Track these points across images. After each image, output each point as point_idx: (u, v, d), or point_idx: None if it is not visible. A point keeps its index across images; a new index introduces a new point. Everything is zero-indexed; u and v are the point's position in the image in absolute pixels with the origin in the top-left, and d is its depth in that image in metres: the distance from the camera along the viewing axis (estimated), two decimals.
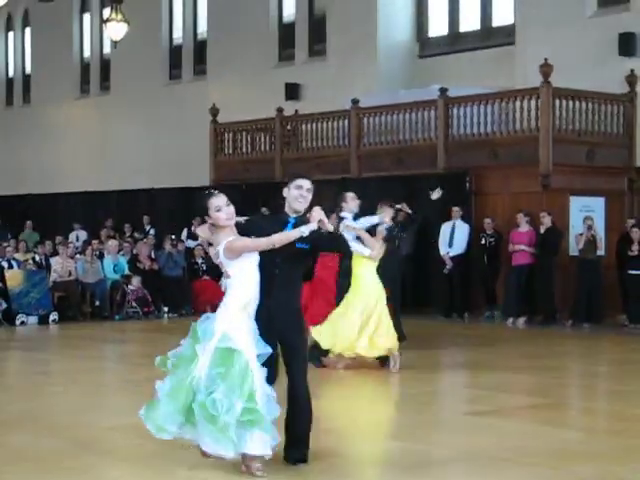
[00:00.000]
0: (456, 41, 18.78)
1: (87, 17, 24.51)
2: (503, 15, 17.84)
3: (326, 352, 10.16)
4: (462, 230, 15.23)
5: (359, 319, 9.70)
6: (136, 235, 18.82)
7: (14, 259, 15.79)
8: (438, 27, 18.96)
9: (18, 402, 8.89)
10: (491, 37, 17.95)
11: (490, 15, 18.24)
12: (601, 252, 14.30)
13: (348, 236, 8.80)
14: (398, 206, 14.35)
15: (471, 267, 15.38)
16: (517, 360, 11.68)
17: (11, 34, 27.13)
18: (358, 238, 9.54)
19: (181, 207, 18.56)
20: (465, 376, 11.11)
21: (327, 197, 16.04)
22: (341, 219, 9.83)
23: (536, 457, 6.38)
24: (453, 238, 15.20)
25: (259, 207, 16.49)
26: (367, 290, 9.78)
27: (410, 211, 13.93)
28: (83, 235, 19.13)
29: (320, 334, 9.77)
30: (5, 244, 16.57)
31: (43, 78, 25.60)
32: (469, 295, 15.49)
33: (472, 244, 15.23)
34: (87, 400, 9.12)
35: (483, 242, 15.00)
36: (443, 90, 15.98)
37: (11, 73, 27.22)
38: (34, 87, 26.18)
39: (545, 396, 9.10)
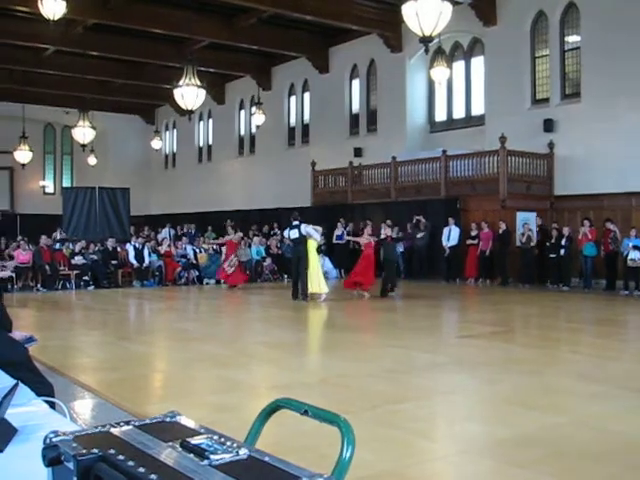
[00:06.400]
0: (451, 123, 23.86)
1: (242, 112, 31.86)
2: (478, 108, 22.85)
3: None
4: (455, 231, 20.80)
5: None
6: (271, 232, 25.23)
7: (202, 248, 22.15)
8: (441, 114, 24.22)
9: (204, 327, 11.71)
10: (471, 121, 23.17)
11: (470, 108, 23.33)
12: (533, 243, 19.38)
13: (311, 230, 15.80)
14: (418, 217, 21.38)
15: (461, 252, 20.68)
16: (486, 305, 15.29)
17: (201, 123, 34.71)
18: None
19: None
20: (456, 314, 14.32)
21: (377, 212, 22.20)
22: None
23: (494, 361, 8.25)
24: (450, 235, 20.76)
25: (339, 219, 23.69)
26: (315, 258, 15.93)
27: (424, 220, 21.33)
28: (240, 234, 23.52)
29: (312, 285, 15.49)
30: (199, 239, 23.47)
31: (218, 146, 33.33)
32: (460, 269, 20.74)
33: (461, 239, 20.72)
34: (242, 326, 12.04)
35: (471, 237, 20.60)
36: (444, 151, 21.29)
37: (202, 143, 34.73)
38: (214, 151, 33.75)
39: (500, 326, 11.57)
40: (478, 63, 22.97)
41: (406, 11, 12.56)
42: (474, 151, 20.85)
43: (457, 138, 22.88)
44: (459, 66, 23.59)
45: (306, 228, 15.84)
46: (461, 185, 20.99)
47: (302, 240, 15.82)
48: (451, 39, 22.66)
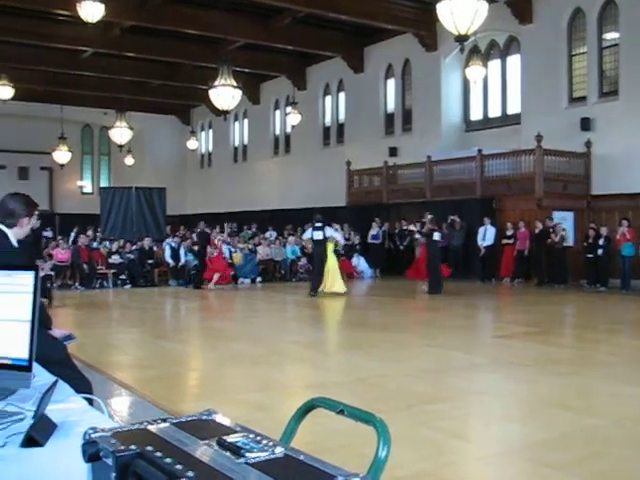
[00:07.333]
0: (487, 122, 23.90)
1: (278, 112, 32.09)
2: (514, 107, 22.75)
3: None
4: (491, 231, 20.74)
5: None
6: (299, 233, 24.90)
7: (239, 247, 22.27)
8: (476, 113, 24.26)
9: (239, 326, 12.06)
10: (507, 119, 23.13)
11: (506, 107, 23.34)
12: (569, 243, 19.49)
13: (335, 233, 17.29)
14: (453, 217, 21.40)
15: (496, 252, 20.60)
16: (522, 305, 15.28)
17: (237, 123, 35.11)
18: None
19: (330, 217, 21.51)
20: (492, 314, 14.50)
21: (412, 211, 22.50)
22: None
23: (530, 361, 8.18)
24: (485, 235, 20.75)
25: (374, 219, 23.67)
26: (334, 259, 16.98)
27: (459, 220, 21.42)
28: (274, 234, 25.34)
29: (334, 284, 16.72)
30: (236, 239, 23.39)
31: (254, 146, 33.53)
32: (496, 269, 20.61)
33: (497, 239, 20.65)
34: (275, 325, 11.92)
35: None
36: (480, 150, 21.23)
37: (237, 143, 35.15)
38: (249, 151, 34.01)
39: (536, 327, 11.40)
40: (514, 61, 22.81)
41: (441, 10, 12.50)
42: (510, 150, 20.80)
43: (493, 137, 22.83)
44: (495, 65, 23.47)
45: (330, 230, 17.14)
46: (497, 184, 20.96)
47: (324, 242, 16.87)
48: (487, 37, 22.54)
